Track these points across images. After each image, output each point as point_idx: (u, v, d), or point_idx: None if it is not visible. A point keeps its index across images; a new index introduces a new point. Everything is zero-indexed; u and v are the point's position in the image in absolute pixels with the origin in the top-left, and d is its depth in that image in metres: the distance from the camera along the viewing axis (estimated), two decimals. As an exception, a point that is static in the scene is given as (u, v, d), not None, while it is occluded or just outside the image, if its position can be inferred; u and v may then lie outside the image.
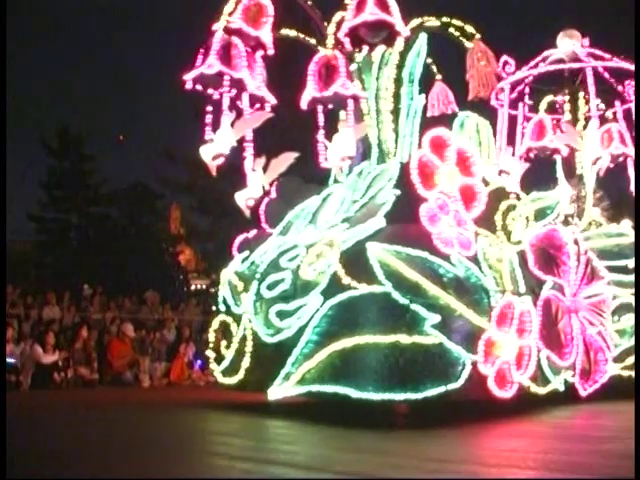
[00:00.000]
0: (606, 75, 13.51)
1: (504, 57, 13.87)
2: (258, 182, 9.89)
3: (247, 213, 9.96)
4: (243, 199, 9.87)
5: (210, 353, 10.01)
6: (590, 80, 13.43)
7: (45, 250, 31.53)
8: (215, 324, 9.98)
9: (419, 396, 7.93)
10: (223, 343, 9.76)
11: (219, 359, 9.83)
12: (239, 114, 9.46)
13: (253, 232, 10.53)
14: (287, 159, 10.19)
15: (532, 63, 13.97)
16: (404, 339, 7.95)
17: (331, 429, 7.74)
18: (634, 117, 13.24)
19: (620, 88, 13.58)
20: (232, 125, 9.23)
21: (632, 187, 13.19)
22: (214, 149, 9.03)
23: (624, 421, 8.58)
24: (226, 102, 9.08)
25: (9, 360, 13.38)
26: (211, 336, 10.02)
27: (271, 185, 10.13)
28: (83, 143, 32.14)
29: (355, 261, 8.30)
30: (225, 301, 9.89)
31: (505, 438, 7.54)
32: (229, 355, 9.61)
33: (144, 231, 33.50)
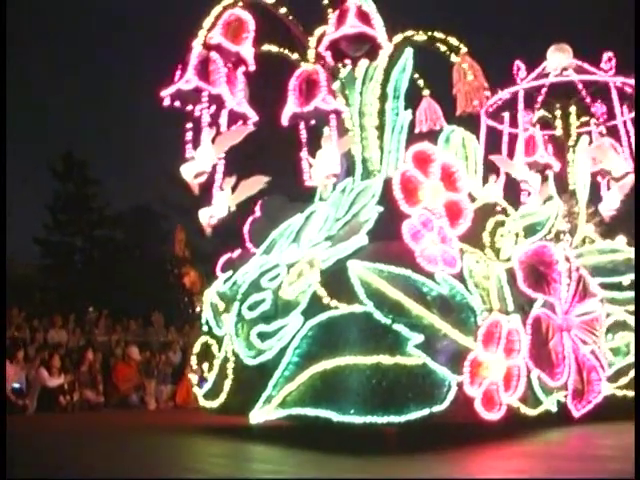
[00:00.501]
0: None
1: (516, 62, 13.73)
2: (224, 201, 9.66)
3: (208, 231, 9.71)
4: (206, 217, 9.63)
5: (192, 376, 9.78)
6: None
7: (50, 273, 31.65)
8: (197, 346, 9.75)
9: (402, 419, 7.68)
10: (205, 365, 9.54)
11: (202, 382, 9.60)
12: (219, 130, 9.26)
13: (237, 252, 10.34)
14: (257, 183, 9.96)
15: (530, 76, 13.80)
16: (386, 360, 7.72)
17: (312, 454, 7.50)
18: (634, 118, 12.99)
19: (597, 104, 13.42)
20: (213, 142, 9.02)
21: (602, 207, 13.08)
22: (195, 167, 8.83)
23: (625, 440, 8.14)
24: (205, 118, 8.87)
25: (15, 385, 13.33)
26: (193, 359, 9.79)
27: (237, 206, 9.86)
28: (87, 166, 32.41)
29: (336, 280, 8.09)
30: (208, 322, 9.69)
31: (506, 459, 7.36)
32: (211, 378, 9.39)
33: (149, 253, 33.39)
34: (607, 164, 12.95)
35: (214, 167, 9.39)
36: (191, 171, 8.82)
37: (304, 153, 9.32)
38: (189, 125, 8.97)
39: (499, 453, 7.76)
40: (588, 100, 13.46)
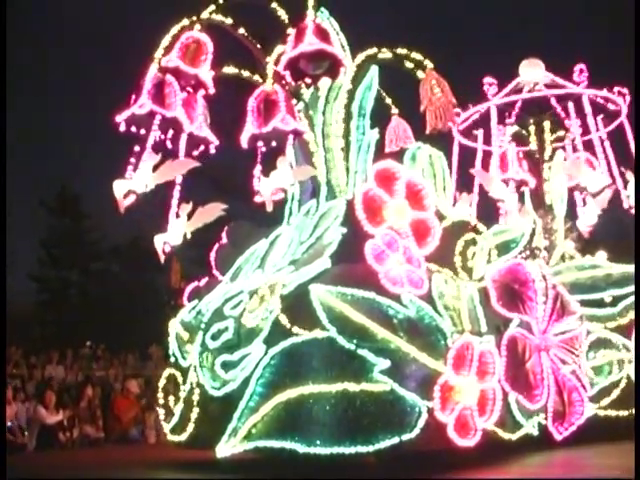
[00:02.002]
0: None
1: (487, 78, 13.56)
2: (180, 229, 9.35)
3: (162, 258, 9.39)
4: (160, 243, 9.31)
5: (159, 410, 9.45)
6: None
7: (47, 309, 31.64)
8: (163, 378, 9.43)
9: (371, 448, 7.38)
10: (171, 398, 9.22)
11: (169, 415, 9.27)
12: (176, 156, 9.00)
13: (204, 280, 10.05)
14: (214, 210, 9.61)
15: (503, 92, 13.62)
16: (352, 387, 7.49)
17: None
18: (634, 122, 12.78)
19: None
20: (157, 167, 8.72)
21: (580, 223, 12.87)
22: (127, 186, 8.49)
23: (611, 461, 8.15)
24: (151, 141, 8.60)
25: (7, 423, 12.97)
26: (159, 391, 9.46)
27: (192, 234, 9.54)
28: (81, 201, 32.68)
29: (298, 305, 7.85)
30: (174, 353, 9.38)
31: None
32: (177, 411, 9.06)
33: (145, 285, 33.15)
34: (582, 180, 12.73)
35: (169, 192, 9.12)
36: (122, 189, 8.48)
37: (257, 171, 9.02)
38: (136, 149, 8.66)
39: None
40: (562, 114, 13.24)
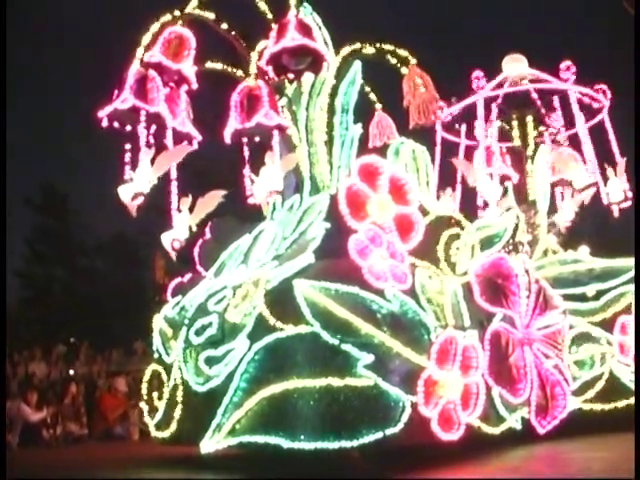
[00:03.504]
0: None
1: (476, 72, 13.54)
2: (184, 223, 9.37)
3: (173, 255, 9.42)
4: (169, 241, 9.33)
5: (143, 406, 9.43)
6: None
7: (31, 305, 31.39)
8: (147, 374, 9.41)
9: (355, 443, 7.37)
10: (155, 394, 9.21)
11: (152, 412, 9.25)
12: (161, 151, 8.97)
13: (188, 276, 10.03)
14: (214, 198, 9.66)
15: (489, 86, 13.59)
16: (336, 382, 7.43)
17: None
18: (634, 122, 12.79)
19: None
20: (152, 162, 8.71)
21: (557, 217, 12.89)
22: (133, 188, 8.52)
23: (593, 454, 8.24)
24: (143, 138, 8.57)
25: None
26: (143, 388, 9.44)
27: (198, 226, 9.58)
28: (66, 198, 32.63)
29: (281, 300, 7.80)
30: (158, 350, 9.36)
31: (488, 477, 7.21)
32: (161, 407, 9.05)
33: (130, 281, 33.06)
34: (568, 174, 12.77)
35: (168, 190, 9.11)
36: (128, 193, 8.52)
37: (246, 170, 9.03)
38: (128, 146, 8.65)
39: (463, 474, 7.51)
40: (545, 110, 13.26)
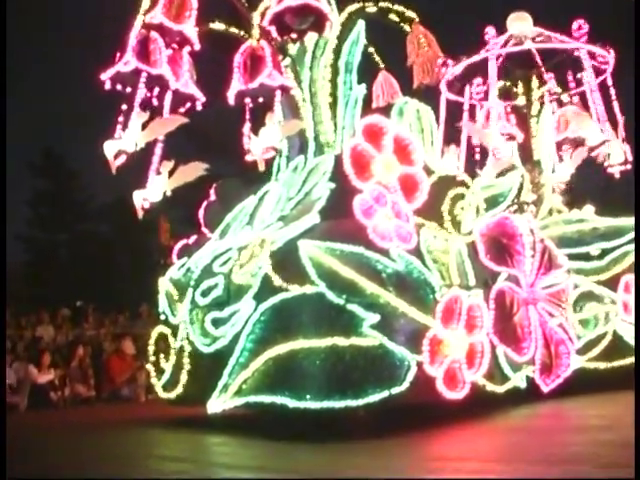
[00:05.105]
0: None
1: (487, 28, 13.37)
2: (160, 186, 9.26)
3: (140, 214, 9.32)
4: (139, 199, 9.24)
5: (150, 367, 9.48)
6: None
7: (35, 269, 31.40)
8: (153, 336, 9.45)
9: (361, 402, 7.43)
10: (162, 356, 9.25)
11: (159, 373, 9.31)
12: (160, 113, 8.92)
13: (193, 237, 10.04)
14: (195, 169, 9.48)
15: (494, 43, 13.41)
16: (341, 342, 7.48)
17: (272, 443, 7.23)
18: (634, 105, 12.68)
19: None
20: (147, 125, 8.65)
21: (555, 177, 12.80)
22: (118, 146, 8.44)
23: (597, 411, 8.39)
24: (138, 99, 8.52)
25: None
26: (150, 349, 9.49)
27: (173, 191, 9.44)
28: (68, 160, 32.42)
29: (287, 261, 7.81)
30: (164, 311, 9.39)
31: (492, 435, 7.37)
32: (168, 368, 9.10)
33: (135, 245, 33.08)
34: (583, 131, 12.65)
35: (152, 149, 9.05)
36: (113, 149, 8.42)
37: (246, 129, 8.96)
38: (124, 107, 8.59)
39: (468, 432, 7.60)
40: (552, 70, 13.10)
